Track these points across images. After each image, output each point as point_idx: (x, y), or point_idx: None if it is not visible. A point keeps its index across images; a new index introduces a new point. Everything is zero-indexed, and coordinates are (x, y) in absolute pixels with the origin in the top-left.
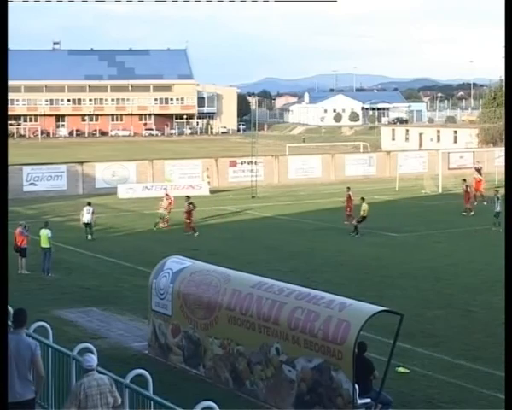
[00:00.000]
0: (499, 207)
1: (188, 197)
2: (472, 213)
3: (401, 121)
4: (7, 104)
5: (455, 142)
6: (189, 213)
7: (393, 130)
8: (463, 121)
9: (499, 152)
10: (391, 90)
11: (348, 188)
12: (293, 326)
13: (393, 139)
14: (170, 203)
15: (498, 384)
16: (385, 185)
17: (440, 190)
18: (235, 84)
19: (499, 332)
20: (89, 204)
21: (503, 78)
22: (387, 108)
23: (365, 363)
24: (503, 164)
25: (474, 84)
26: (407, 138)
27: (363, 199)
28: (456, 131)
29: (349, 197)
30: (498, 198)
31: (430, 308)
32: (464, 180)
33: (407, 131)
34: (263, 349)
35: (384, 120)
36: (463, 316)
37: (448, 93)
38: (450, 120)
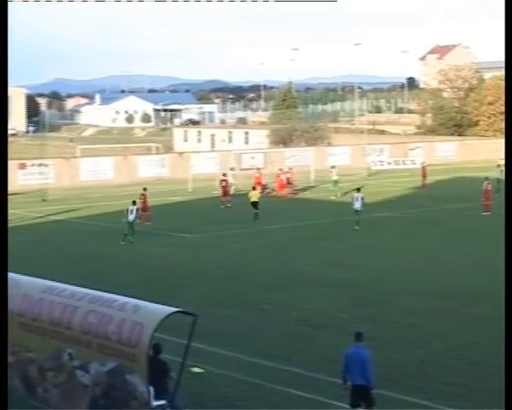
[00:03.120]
0: (359, 205)
1: None
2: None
3: (193, 122)
4: (7, 104)
5: (246, 143)
6: None
7: (186, 131)
8: (254, 122)
9: (290, 153)
10: (183, 92)
11: (144, 189)
12: (87, 330)
13: (186, 140)
14: None
15: (291, 380)
16: (178, 186)
17: (232, 191)
18: (23, 85)
19: (291, 329)
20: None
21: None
22: (179, 110)
23: (160, 364)
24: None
25: (265, 86)
26: (199, 139)
27: (254, 188)
28: (247, 132)
29: (144, 198)
30: (358, 197)
31: (224, 308)
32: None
33: (199, 132)
34: (55, 355)
35: (176, 121)
36: (256, 314)
37: (239, 95)
38: (242, 122)
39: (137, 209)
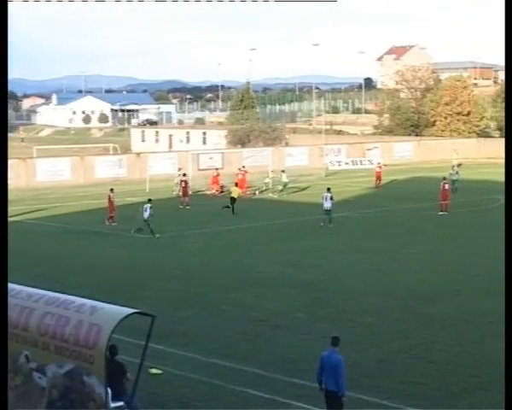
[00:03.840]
0: (329, 204)
1: None
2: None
3: (151, 123)
4: (7, 104)
5: (204, 143)
6: None
7: (143, 131)
8: (212, 123)
9: (248, 153)
10: (140, 92)
11: (111, 189)
12: (43, 332)
13: (143, 141)
14: None
15: (249, 380)
16: (135, 187)
17: (191, 191)
18: None
19: (249, 329)
20: (149, 200)
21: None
22: (137, 110)
23: (117, 365)
24: (262, 164)
25: (222, 86)
26: (157, 140)
27: (236, 184)
28: (205, 133)
29: (110, 198)
30: (328, 197)
31: (182, 308)
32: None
33: (157, 132)
34: (12, 357)
35: (134, 121)
36: (215, 315)
37: (197, 95)
38: (200, 122)
39: (151, 207)
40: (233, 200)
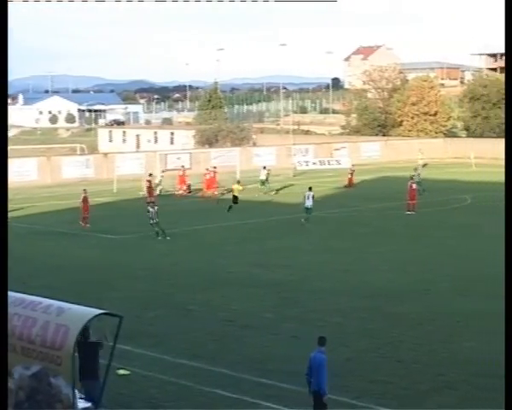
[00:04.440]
0: (310, 203)
1: None
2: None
3: (118, 123)
4: (7, 104)
5: (172, 143)
6: None
7: (110, 131)
8: (180, 123)
9: (215, 153)
10: (107, 92)
11: (85, 190)
12: (10, 334)
13: (111, 141)
14: None
15: (217, 380)
16: (103, 187)
17: (158, 192)
18: None
19: (217, 329)
20: (310, 189)
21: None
22: (104, 110)
23: (91, 346)
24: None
25: (190, 86)
26: (124, 140)
27: (238, 182)
28: (172, 133)
29: (85, 199)
30: (310, 196)
31: (150, 309)
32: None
33: (124, 132)
34: None
35: (101, 121)
36: (183, 315)
37: (164, 95)
38: (167, 122)
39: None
40: (235, 198)
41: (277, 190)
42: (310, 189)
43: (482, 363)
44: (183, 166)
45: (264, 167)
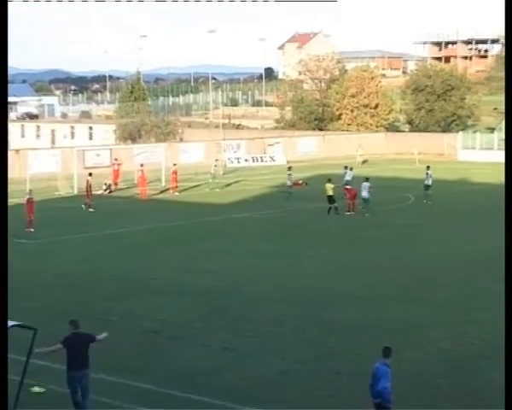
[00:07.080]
0: (366, 194)
1: None
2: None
3: (31, 117)
4: (7, 104)
5: (91, 138)
6: None
7: (23, 126)
8: (99, 116)
9: (138, 149)
10: (19, 83)
11: (30, 190)
12: None
13: (23, 136)
14: None
15: (141, 397)
16: (14, 187)
17: (76, 191)
18: None
19: (142, 341)
20: (366, 179)
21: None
22: (15, 102)
23: (82, 337)
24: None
25: (110, 76)
26: (38, 135)
27: (330, 180)
28: (91, 127)
29: (29, 201)
30: (368, 186)
31: (67, 320)
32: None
33: (38, 127)
34: None
35: (12, 115)
36: (104, 326)
37: (82, 86)
38: (86, 115)
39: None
40: (330, 198)
41: (226, 186)
42: (367, 179)
43: (425, 374)
44: (116, 160)
45: (217, 160)
